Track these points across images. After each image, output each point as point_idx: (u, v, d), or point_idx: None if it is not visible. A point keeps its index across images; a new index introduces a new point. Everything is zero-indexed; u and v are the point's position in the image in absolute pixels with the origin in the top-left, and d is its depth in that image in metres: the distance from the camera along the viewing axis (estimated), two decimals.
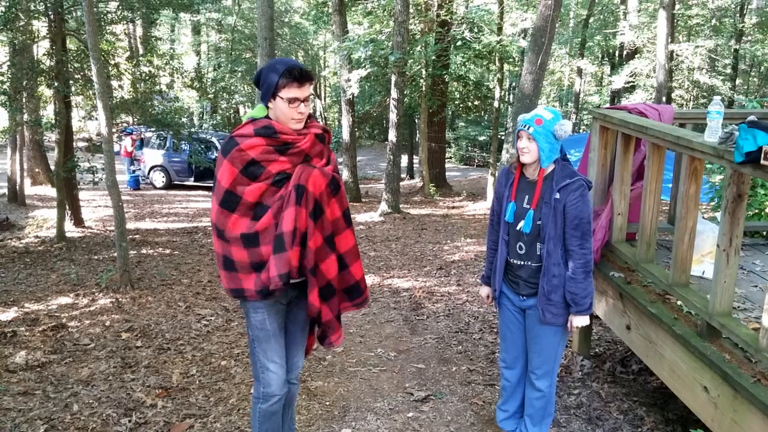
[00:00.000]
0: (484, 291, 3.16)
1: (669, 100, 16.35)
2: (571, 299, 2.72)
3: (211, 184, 2.47)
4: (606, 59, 23.71)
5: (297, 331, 2.61)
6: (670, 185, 4.11)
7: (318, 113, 32.20)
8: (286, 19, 24.33)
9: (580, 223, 2.65)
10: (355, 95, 14.02)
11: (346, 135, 13.84)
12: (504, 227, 2.89)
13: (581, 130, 22.89)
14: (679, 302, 3.04)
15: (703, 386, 2.65)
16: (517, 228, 2.80)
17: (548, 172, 2.73)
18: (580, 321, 2.77)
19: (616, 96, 19.52)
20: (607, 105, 18.76)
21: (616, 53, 21.12)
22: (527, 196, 2.78)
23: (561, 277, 2.72)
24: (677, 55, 16.51)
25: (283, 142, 2.34)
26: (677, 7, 16.46)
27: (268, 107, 2.39)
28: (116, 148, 15.14)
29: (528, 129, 2.66)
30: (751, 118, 2.43)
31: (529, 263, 2.82)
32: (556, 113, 2.70)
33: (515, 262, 2.87)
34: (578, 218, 2.65)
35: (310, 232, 2.34)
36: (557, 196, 2.66)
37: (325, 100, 32.64)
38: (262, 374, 2.54)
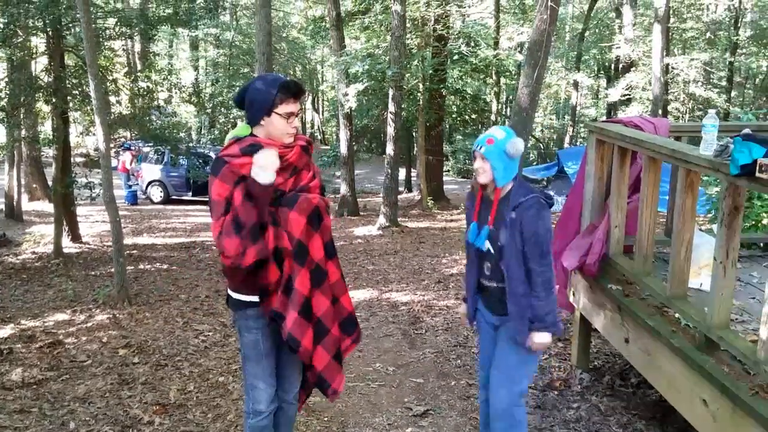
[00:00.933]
0: (461, 308, 3.18)
1: (665, 113, 16.45)
2: (533, 315, 2.64)
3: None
4: (602, 72, 23.88)
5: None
6: (667, 197, 4.13)
7: (316, 127, 32.35)
8: (284, 34, 24.49)
9: (537, 240, 2.59)
10: (353, 109, 14.09)
11: (344, 149, 13.86)
12: (469, 247, 2.86)
13: (578, 143, 22.98)
14: (677, 315, 3.04)
15: (702, 399, 2.64)
16: (478, 247, 2.77)
17: (506, 191, 2.70)
18: (540, 338, 2.65)
19: (612, 109, 19.63)
20: (604, 118, 18.86)
21: (612, 66, 21.27)
22: (487, 216, 2.75)
23: (528, 296, 2.65)
24: (672, 68, 16.63)
25: None
26: (672, 20, 16.62)
27: (260, 125, 2.37)
28: (114, 163, 15.15)
29: (480, 149, 2.65)
30: (746, 131, 2.45)
31: (496, 284, 2.77)
32: (509, 132, 2.68)
33: (484, 282, 2.84)
34: (535, 235, 2.59)
35: (295, 275, 2.35)
36: (513, 215, 2.62)
37: (323, 114, 32.78)
38: (251, 391, 2.54)
